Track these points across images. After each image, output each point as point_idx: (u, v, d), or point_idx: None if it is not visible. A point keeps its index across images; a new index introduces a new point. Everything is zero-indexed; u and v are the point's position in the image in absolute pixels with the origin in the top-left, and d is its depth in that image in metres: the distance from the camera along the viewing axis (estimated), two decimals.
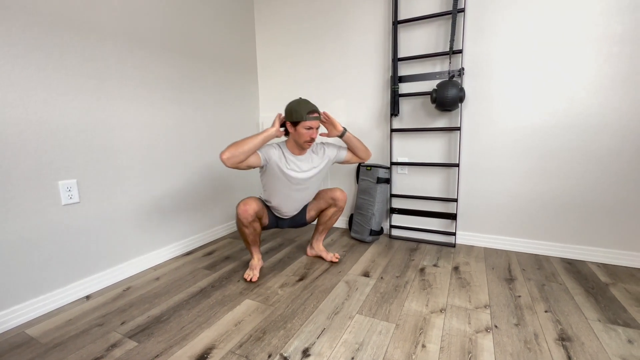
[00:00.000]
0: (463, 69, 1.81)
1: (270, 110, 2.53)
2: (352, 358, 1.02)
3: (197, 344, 1.11)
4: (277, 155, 1.51)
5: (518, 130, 1.76)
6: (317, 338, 1.12)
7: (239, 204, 1.48)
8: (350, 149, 1.67)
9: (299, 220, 1.73)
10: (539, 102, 1.70)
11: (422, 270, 1.64)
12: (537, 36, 1.66)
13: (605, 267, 1.62)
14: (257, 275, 1.56)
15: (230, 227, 2.32)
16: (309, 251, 1.85)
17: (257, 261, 1.64)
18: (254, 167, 1.46)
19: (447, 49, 1.83)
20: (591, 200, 1.66)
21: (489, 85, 1.80)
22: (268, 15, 2.41)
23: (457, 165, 1.88)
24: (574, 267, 1.63)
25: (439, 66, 1.90)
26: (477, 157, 1.88)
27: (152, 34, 1.70)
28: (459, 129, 1.84)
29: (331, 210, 1.72)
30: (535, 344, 1.07)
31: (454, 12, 1.75)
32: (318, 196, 1.74)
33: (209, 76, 2.07)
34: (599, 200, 1.64)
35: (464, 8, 1.76)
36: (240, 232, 1.57)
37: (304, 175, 1.56)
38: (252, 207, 1.47)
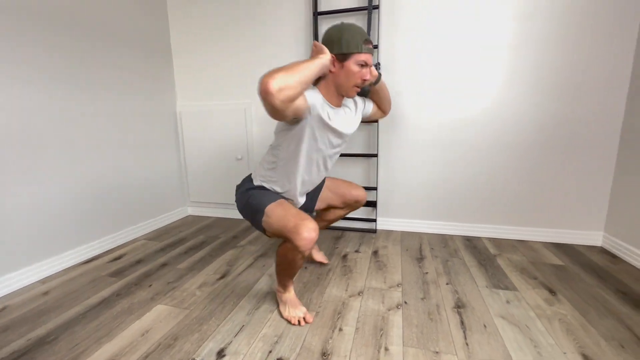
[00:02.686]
0: (379, 63, 1.90)
1: (189, 99, 2.34)
2: (270, 352, 1.01)
3: None
4: (320, 101, 1.06)
5: (428, 124, 1.93)
6: (235, 337, 1.08)
7: (295, 231, 0.98)
8: (377, 100, 1.35)
9: (307, 208, 1.33)
10: (447, 98, 1.88)
11: (344, 256, 1.71)
12: (450, 35, 1.83)
13: (495, 241, 1.89)
14: (306, 310, 1.18)
15: (145, 227, 2.10)
16: None
17: (294, 293, 1.23)
18: (293, 118, 1.00)
19: None
20: (485, 185, 1.91)
21: (403, 80, 1.92)
22: None
23: (376, 155, 1.99)
24: (472, 243, 1.87)
25: None
26: (394, 148, 2.01)
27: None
28: (376, 121, 1.95)
29: (344, 212, 1.46)
30: (436, 314, 1.19)
31: (369, 8, 1.82)
32: (333, 188, 1.40)
33: (108, 56, 1.81)
34: (490, 184, 1.90)
35: (378, 5, 1.84)
36: (287, 266, 1.11)
37: (345, 129, 1.16)
38: (316, 230, 1.00)
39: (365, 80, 1.08)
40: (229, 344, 1.04)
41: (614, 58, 1.62)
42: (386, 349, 1.01)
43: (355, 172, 2.11)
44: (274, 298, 1.31)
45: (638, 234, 1.54)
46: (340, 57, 1.04)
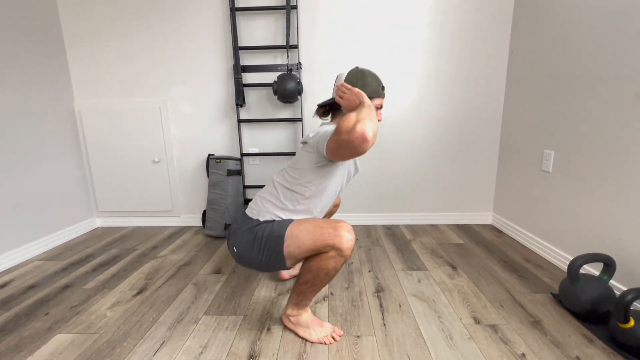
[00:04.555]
0: (300, 63, 1.94)
1: (90, 96, 2.05)
2: None
3: None
4: None
5: None
6: (154, 355, 1.01)
7: (335, 234, 0.93)
8: None
9: None
10: None
11: None
12: (368, 37, 1.94)
13: (411, 227, 2.11)
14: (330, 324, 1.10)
15: (40, 245, 1.79)
16: (286, 274, 1.46)
17: (310, 311, 1.12)
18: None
19: (285, 43, 1.92)
20: (401, 177, 2.11)
21: (322, 80, 1.99)
22: None
23: None
24: (391, 231, 2.05)
25: (280, 59, 1.97)
26: None
27: None
28: (300, 119, 1.98)
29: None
30: (359, 301, 1.29)
31: (288, 8, 1.83)
32: None
33: None
34: (405, 177, 2.11)
35: (296, 5, 1.87)
36: (325, 277, 0.99)
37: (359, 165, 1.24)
38: (352, 229, 0.99)
39: (379, 120, 1.12)
40: None
41: (493, 59, 1.93)
42: (311, 342, 1.06)
43: None
44: (199, 307, 1.25)
45: (517, 213, 1.88)
46: None
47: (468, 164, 2.07)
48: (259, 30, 1.95)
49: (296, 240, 0.97)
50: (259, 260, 1.03)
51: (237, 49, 1.89)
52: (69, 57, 2.01)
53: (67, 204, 1.99)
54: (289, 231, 0.99)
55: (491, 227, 2.08)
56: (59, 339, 1.08)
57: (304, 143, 1.09)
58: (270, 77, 1.98)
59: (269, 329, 1.12)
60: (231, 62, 1.98)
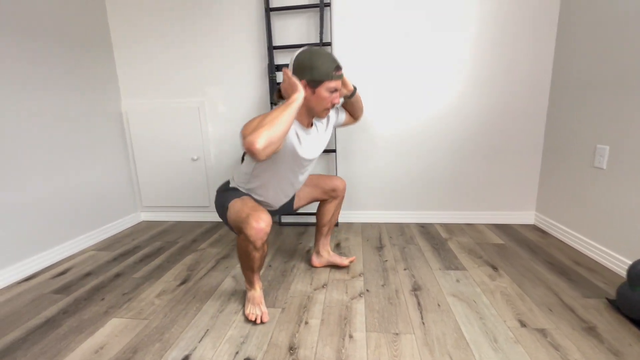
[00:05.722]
0: None
1: (136, 98, 2.19)
2: (237, 353, 1.01)
3: None
4: (291, 132, 1.13)
5: (382, 120, 2.02)
6: (199, 342, 1.06)
7: (246, 220, 1.04)
8: (350, 110, 1.39)
9: (285, 210, 1.42)
10: (402, 93, 1.97)
11: (308, 251, 1.74)
12: (402, 32, 1.91)
13: (446, 226, 2.05)
14: (266, 310, 1.19)
15: (93, 237, 1.94)
16: (317, 261, 1.54)
17: (259, 291, 1.22)
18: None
19: (319, 41, 1.93)
20: (435, 175, 2.05)
21: (357, 76, 1.98)
22: None
23: (335, 151, 2.03)
24: (425, 229, 2.00)
25: None
26: (351, 144, 2.08)
27: None
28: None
29: (333, 205, 1.46)
30: (395, 299, 1.27)
31: (321, 5, 1.84)
32: (310, 183, 1.44)
33: (39, 52, 1.63)
34: (440, 174, 2.05)
35: (329, 2, 1.87)
36: (245, 259, 1.13)
37: (314, 155, 1.24)
38: (267, 222, 1.05)
39: (335, 104, 1.14)
40: (193, 350, 1.02)
41: (537, 54, 1.82)
42: (350, 336, 1.06)
43: (315, 168, 2.14)
44: (238, 299, 1.30)
45: (564, 212, 1.76)
46: (312, 83, 1.08)
47: (507, 161, 1.97)
48: (292, 29, 1.97)
49: (230, 213, 1.14)
50: (223, 220, 1.22)
51: (271, 48, 1.93)
52: (117, 61, 2.16)
53: (116, 199, 2.14)
54: (231, 204, 1.17)
55: (534, 227, 1.97)
56: (114, 323, 1.17)
57: None
58: None
59: (306, 323, 1.14)
60: (265, 62, 2.03)
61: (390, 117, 2.01)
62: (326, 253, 1.53)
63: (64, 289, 1.42)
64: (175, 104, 2.15)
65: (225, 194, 1.24)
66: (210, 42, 2.05)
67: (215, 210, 1.31)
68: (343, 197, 1.48)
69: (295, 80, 1.04)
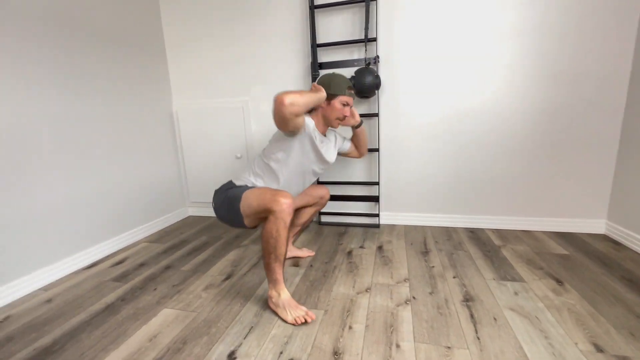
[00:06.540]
0: (378, 56, 1.88)
1: (186, 98, 2.30)
2: (281, 352, 1.00)
3: None
4: (312, 126, 1.31)
5: (429, 117, 1.91)
6: (244, 338, 1.07)
7: (273, 199, 1.12)
8: (355, 142, 1.64)
9: None
10: (448, 90, 1.86)
11: (349, 253, 1.70)
12: (449, 27, 1.80)
13: (498, 232, 1.89)
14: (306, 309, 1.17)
15: (146, 229, 2.07)
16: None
17: (287, 292, 1.21)
18: (292, 131, 1.22)
19: (363, 37, 1.88)
20: (486, 176, 1.90)
21: (402, 73, 1.90)
22: None
23: (377, 150, 1.97)
24: (475, 235, 1.87)
25: (357, 53, 1.94)
26: (395, 142, 2.00)
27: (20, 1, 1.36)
28: (377, 115, 1.92)
29: (313, 210, 1.62)
30: (445, 308, 1.19)
31: (367, 0, 1.78)
32: (303, 191, 1.56)
33: (99, 56, 1.76)
34: (491, 175, 1.90)
35: None
36: (275, 244, 1.14)
37: (329, 157, 1.45)
38: (291, 200, 1.14)
39: (346, 116, 1.39)
40: (239, 346, 1.03)
41: (615, 46, 1.61)
42: (397, 346, 1.01)
43: (357, 168, 2.09)
44: None
45: None
46: (329, 96, 1.35)
47: (572, 164, 1.77)
48: (336, 26, 1.94)
49: (247, 201, 1.20)
50: (225, 214, 1.30)
51: (315, 46, 1.92)
52: (169, 62, 2.28)
53: (166, 194, 2.27)
54: (245, 194, 1.23)
55: (604, 237, 1.75)
56: (166, 313, 1.23)
57: None
58: (347, 72, 1.96)
59: (350, 327, 1.10)
60: (308, 60, 2.02)
61: (437, 114, 1.90)
62: (291, 248, 1.64)
63: (122, 277, 1.53)
64: (221, 103, 2.22)
65: (234, 190, 1.30)
66: (255, 42, 2.08)
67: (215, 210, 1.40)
68: (324, 205, 1.66)
69: (321, 87, 1.30)
